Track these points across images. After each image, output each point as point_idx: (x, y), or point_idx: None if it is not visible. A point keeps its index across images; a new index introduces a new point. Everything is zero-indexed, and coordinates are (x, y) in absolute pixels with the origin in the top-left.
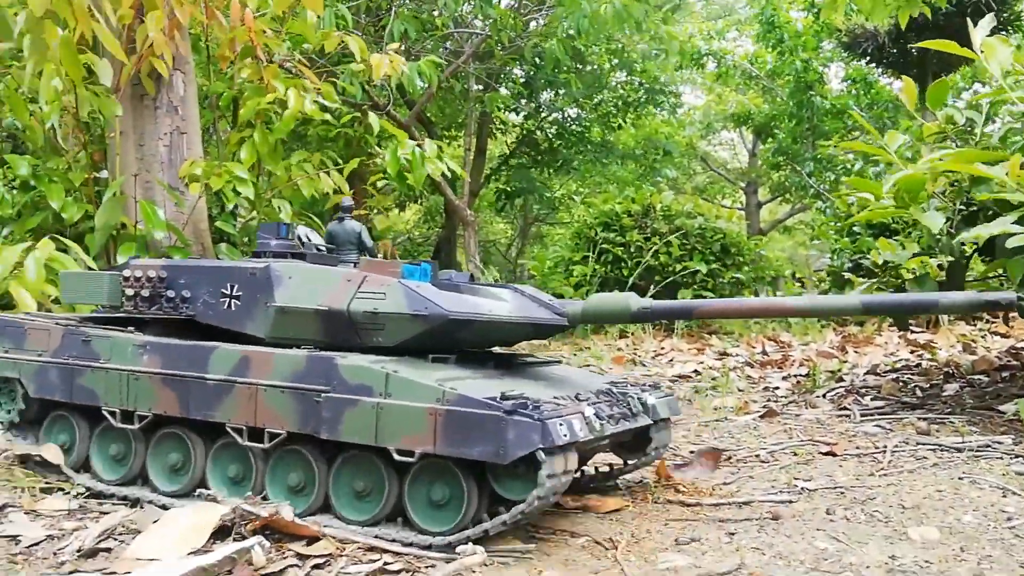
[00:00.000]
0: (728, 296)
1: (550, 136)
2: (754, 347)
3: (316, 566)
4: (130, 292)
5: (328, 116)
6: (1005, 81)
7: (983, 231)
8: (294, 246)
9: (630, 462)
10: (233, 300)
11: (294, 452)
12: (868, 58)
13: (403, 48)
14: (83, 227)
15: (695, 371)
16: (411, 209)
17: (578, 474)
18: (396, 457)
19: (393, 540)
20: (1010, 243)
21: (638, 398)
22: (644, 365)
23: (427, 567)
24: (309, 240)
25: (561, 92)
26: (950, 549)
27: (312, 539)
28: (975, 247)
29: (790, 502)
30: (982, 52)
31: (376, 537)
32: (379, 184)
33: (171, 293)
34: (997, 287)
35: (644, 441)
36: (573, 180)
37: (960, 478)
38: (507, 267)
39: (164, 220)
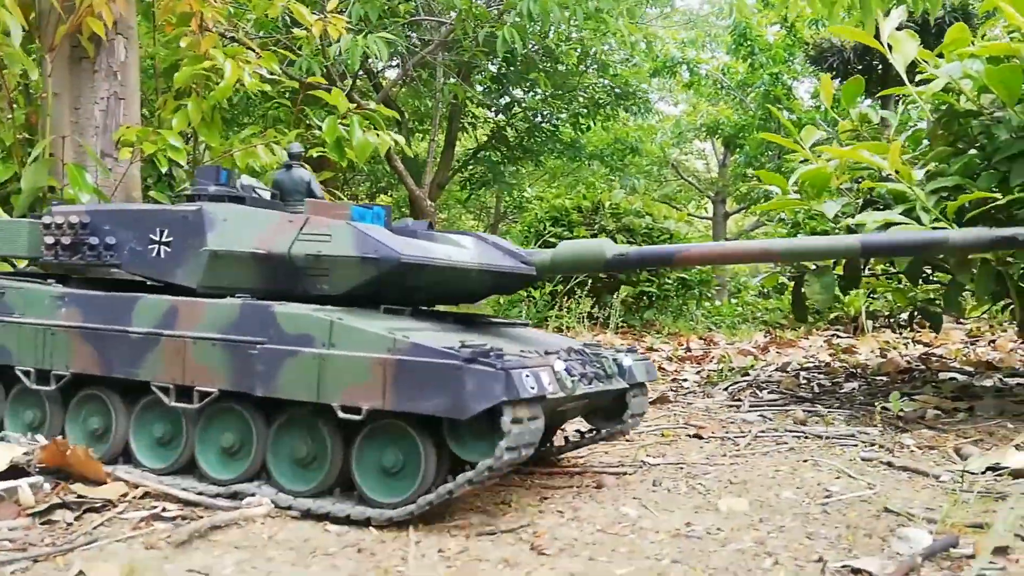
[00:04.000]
0: (674, 296)
1: (520, 132)
2: (681, 345)
3: (91, 509)
4: (50, 240)
5: (268, 88)
6: (906, 75)
7: (866, 218)
8: (234, 192)
9: (604, 430)
10: (162, 247)
11: (228, 411)
12: (834, 72)
13: (363, 35)
14: (11, 188)
15: None
16: (378, 200)
17: (546, 444)
18: (340, 415)
19: (201, 494)
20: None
21: (613, 359)
22: None
23: (207, 515)
24: (254, 190)
25: (532, 93)
26: (750, 519)
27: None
28: None
29: (624, 474)
30: (889, 46)
31: (183, 490)
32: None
33: (94, 240)
34: (894, 284)
35: (620, 407)
36: (543, 181)
37: (805, 460)
38: None
39: (92, 184)
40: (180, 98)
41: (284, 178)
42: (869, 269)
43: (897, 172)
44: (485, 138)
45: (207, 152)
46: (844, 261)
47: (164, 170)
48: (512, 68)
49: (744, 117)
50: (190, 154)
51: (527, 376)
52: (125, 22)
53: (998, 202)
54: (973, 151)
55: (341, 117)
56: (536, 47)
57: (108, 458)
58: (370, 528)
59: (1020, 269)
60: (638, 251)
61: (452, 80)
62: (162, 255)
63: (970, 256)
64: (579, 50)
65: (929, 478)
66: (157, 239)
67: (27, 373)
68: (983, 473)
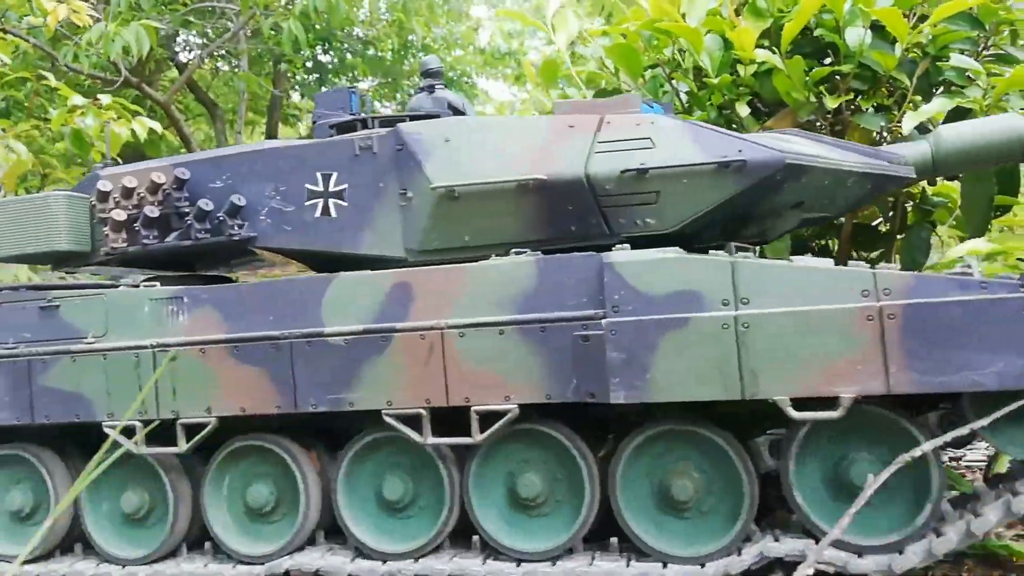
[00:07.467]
0: None
1: None
2: None
3: None
4: (119, 216)
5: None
6: (570, 53)
7: None
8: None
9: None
10: (331, 200)
11: (524, 437)
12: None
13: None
14: None
15: None
16: None
17: None
18: (794, 415)
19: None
20: None
21: None
22: None
23: None
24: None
25: (355, 83)
26: None
27: None
28: None
29: None
30: (552, 25)
31: None
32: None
33: (205, 205)
34: None
35: None
36: None
37: None
38: None
39: None
40: None
41: (426, 103)
42: None
43: None
44: (309, 129)
45: None
46: None
47: None
48: (332, 57)
49: None
50: None
51: None
52: None
53: None
54: None
55: (74, 109)
56: (360, 33)
57: (292, 548)
58: None
59: None
60: None
61: (267, 70)
62: (332, 213)
63: None
64: (393, 41)
65: None
66: (320, 189)
67: (128, 431)
68: None
